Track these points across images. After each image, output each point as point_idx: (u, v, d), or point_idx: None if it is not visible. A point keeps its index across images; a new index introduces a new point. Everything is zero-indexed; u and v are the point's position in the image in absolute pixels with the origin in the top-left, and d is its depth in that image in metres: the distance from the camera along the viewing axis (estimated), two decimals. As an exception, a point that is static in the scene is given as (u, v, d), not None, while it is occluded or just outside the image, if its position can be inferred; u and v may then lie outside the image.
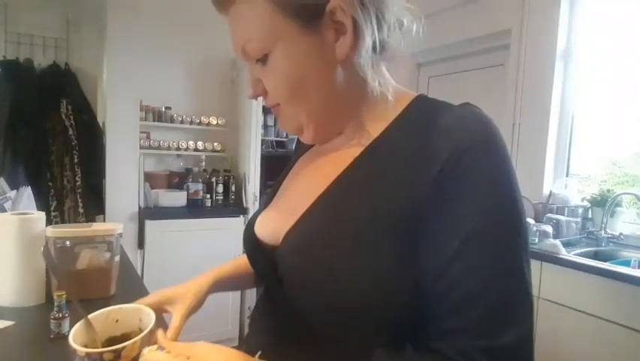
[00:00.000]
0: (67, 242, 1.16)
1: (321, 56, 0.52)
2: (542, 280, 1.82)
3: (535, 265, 1.84)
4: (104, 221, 2.65)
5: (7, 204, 1.45)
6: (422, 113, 0.53)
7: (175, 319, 0.64)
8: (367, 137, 0.55)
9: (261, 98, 0.58)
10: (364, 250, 0.47)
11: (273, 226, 0.60)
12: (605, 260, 1.83)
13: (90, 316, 0.58)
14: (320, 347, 0.52)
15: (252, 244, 0.63)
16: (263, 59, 0.53)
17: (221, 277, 0.73)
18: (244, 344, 0.64)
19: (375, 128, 0.55)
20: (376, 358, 0.46)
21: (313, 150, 0.67)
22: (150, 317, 0.58)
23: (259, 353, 0.54)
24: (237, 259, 0.78)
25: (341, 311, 0.48)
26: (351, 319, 0.48)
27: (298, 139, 0.72)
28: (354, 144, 0.56)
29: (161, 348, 0.53)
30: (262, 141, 3.09)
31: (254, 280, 0.77)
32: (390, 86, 0.56)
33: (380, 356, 0.46)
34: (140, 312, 0.61)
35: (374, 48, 0.52)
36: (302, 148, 0.72)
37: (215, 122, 3.09)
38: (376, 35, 0.51)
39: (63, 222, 2.71)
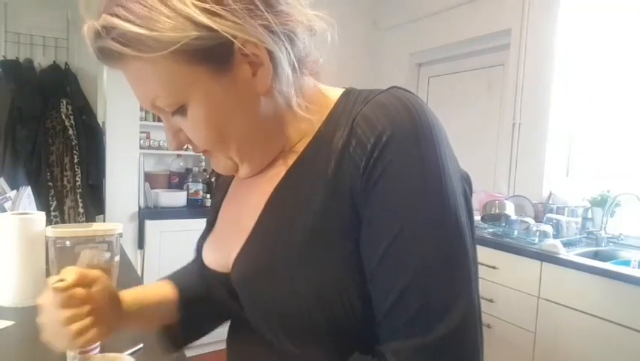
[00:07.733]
0: (67, 242, 1.15)
1: (240, 94, 0.48)
2: (542, 280, 1.82)
3: (535, 265, 1.84)
4: (104, 221, 2.65)
5: (7, 204, 1.45)
6: (347, 106, 0.51)
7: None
8: (296, 149, 0.53)
9: None
10: (311, 265, 0.47)
11: (218, 256, 0.59)
12: (605, 260, 1.83)
13: None
14: None
15: (206, 272, 0.62)
16: (180, 111, 0.49)
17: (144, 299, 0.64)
18: None
19: (306, 138, 0.53)
20: None
21: None
22: None
23: None
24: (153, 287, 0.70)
25: (306, 331, 0.48)
26: (318, 335, 0.48)
27: None
28: (285, 158, 0.54)
29: None
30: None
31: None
32: (316, 93, 0.54)
33: None
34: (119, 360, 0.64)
35: (293, 69, 0.49)
36: None
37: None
38: (293, 57, 0.48)
39: (63, 222, 2.71)
